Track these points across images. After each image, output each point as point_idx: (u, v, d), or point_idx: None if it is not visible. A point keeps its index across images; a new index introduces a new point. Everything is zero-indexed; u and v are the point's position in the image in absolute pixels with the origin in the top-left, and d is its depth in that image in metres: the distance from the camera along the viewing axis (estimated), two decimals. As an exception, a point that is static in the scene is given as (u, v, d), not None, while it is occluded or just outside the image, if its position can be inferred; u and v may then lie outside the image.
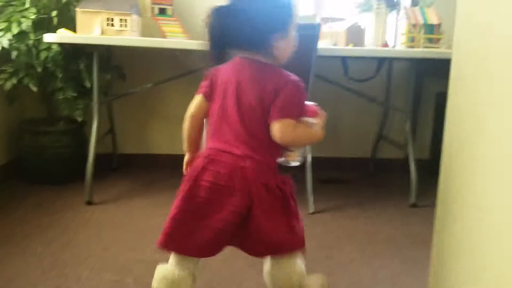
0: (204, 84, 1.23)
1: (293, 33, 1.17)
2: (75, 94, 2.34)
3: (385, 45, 2.53)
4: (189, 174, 1.16)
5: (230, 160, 1.10)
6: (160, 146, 2.98)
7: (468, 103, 0.97)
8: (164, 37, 2.47)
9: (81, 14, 2.17)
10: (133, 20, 2.25)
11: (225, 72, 1.17)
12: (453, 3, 2.56)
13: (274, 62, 1.15)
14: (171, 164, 2.92)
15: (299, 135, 1.12)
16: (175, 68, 2.78)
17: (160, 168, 2.88)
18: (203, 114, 1.23)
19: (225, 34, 1.10)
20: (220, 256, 1.18)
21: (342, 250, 1.83)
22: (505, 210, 0.83)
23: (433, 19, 2.35)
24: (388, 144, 2.95)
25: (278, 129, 1.08)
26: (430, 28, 2.35)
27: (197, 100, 1.24)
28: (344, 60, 2.55)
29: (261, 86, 1.10)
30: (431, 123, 3.03)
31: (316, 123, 1.14)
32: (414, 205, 2.37)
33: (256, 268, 1.40)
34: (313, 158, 2.48)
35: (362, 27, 2.47)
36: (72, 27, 2.23)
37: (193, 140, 1.27)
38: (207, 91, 1.20)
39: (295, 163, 1.24)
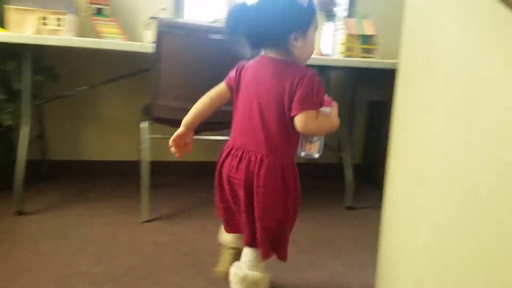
0: (231, 75, 1.33)
1: (313, 35, 1.23)
2: (3, 97, 2.17)
3: (321, 54, 2.62)
4: (217, 166, 1.31)
5: (244, 154, 1.22)
6: (93, 152, 2.85)
7: (414, 108, 1.03)
8: (100, 37, 2.38)
9: (12, 12, 2.02)
10: (70, 19, 2.14)
11: (251, 69, 1.25)
12: (386, 16, 2.71)
13: (294, 61, 1.21)
14: (105, 171, 2.83)
15: (320, 125, 1.19)
16: (111, 71, 2.69)
17: (94, 176, 2.76)
18: (220, 102, 1.37)
19: (249, 32, 1.18)
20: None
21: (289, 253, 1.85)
22: (450, 210, 0.89)
23: (369, 30, 2.47)
24: (325, 149, 3.04)
25: (302, 120, 1.15)
26: (366, 39, 2.46)
27: (220, 87, 1.36)
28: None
29: (279, 83, 1.17)
30: (364, 130, 3.17)
31: (332, 112, 1.22)
32: (350, 208, 2.47)
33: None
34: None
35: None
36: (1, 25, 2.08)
37: (195, 117, 1.41)
38: (232, 83, 1.30)
39: (317, 155, 1.31)
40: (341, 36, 2.46)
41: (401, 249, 1.14)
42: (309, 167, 3.08)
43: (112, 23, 2.51)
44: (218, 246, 1.82)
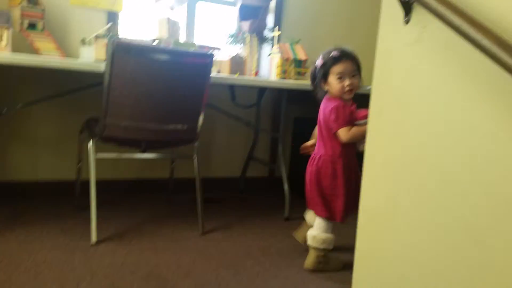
0: None
1: (333, 78, 1.96)
2: None
3: (256, 74, 2.80)
4: None
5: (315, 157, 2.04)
6: (23, 172, 2.69)
7: (387, 134, 1.22)
8: (38, 53, 2.29)
9: None
10: (9, 34, 2.05)
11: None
12: (315, 43, 2.95)
13: (332, 95, 1.99)
14: (34, 193, 2.69)
15: (353, 134, 1.91)
16: (44, 88, 2.59)
17: (24, 198, 2.61)
18: None
19: None
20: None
21: (245, 266, 1.96)
22: (423, 220, 1.09)
23: (301, 55, 2.68)
24: (256, 163, 3.20)
25: (340, 135, 1.93)
26: (299, 63, 2.68)
27: None
28: (231, 88, 2.72)
29: (322, 112, 2.01)
30: (289, 145, 3.39)
31: (364, 122, 1.82)
32: (287, 219, 2.64)
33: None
34: (188, 180, 2.61)
35: (243, 57, 2.67)
36: None
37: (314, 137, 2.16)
38: None
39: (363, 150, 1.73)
40: (277, 60, 2.65)
41: (377, 254, 1.31)
42: (238, 181, 3.22)
43: (46, 37, 2.42)
44: (176, 264, 1.89)
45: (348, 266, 1.86)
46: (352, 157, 2.00)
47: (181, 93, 2.16)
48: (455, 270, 1.02)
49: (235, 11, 3.05)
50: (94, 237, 2.08)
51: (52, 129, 2.73)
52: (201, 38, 3.13)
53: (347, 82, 1.93)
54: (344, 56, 1.96)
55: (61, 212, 2.45)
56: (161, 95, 2.12)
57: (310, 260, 1.97)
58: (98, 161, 2.14)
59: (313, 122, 3.01)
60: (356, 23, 3.45)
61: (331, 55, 1.96)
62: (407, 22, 1.14)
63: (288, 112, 3.31)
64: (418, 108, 1.12)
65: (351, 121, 1.92)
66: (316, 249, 1.96)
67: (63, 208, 2.52)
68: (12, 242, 2.00)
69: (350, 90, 1.95)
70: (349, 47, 2.03)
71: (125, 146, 2.25)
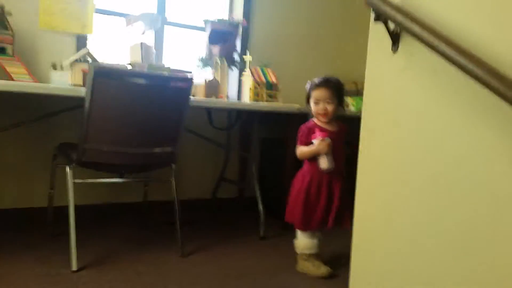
0: None
1: (311, 101, 2.18)
2: None
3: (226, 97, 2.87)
4: None
5: None
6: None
7: (378, 145, 1.33)
8: (11, 78, 2.25)
9: None
10: (-17, 60, 2.00)
11: None
12: (279, 66, 3.08)
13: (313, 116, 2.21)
14: (4, 221, 2.59)
15: (300, 152, 2.18)
16: (11, 114, 2.53)
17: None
18: None
19: None
20: None
21: (235, 286, 1.99)
22: (417, 224, 1.19)
23: (272, 78, 2.79)
24: (225, 184, 3.25)
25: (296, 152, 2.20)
26: (270, 86, 2.78)
27: None
28: (209, 111, 2.76)
29: None
30: (257, 165, 3.45)
31: (315, 143, 2.10)
32: (263, 238, 2.69)
33: None
34: (160, 202, 2.62)
35: (217, 80, 2.73)
36: None
37: None
38: None
39: (324, 169, 2.12)
40: (250, 83, 2.73)
41: (373, 266, 1.40)
42: (209, 202, 3.25)
43: (17, 63, 2.38)
44: (163, 284, 1.89)
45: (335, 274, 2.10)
46: (323, 174, 2.15)
47: (161, 116, 2.19)
48: (451, 270, 1.11)
49: (204, 36, 3.12)
50: (74, 265, 2.03)
51: (18, 156, 2.66)
52: (170, 62, 3.17)
53: (320, 107, 2.14)
54: (324, 84, 2.14)
55: (34, 240, 2.38)
56: (142, 119, 2.13)
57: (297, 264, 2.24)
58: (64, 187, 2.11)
59: (279, 142, 3.12)
60: (320, 46, 3.63)
61: (314, 81, 2.18)
62: (395, 51, 1.25)
63: (255, 133, 3.40)
64: (408, 126, 1.23)
65: (306, 141, 2.15)
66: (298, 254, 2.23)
67: (34, 236, 2.44)
68: (-11, 275, 1.93)
69: (323, 114, 2.15)
70: (336, 77, 2.23)
71: (104, 170, 2.23)
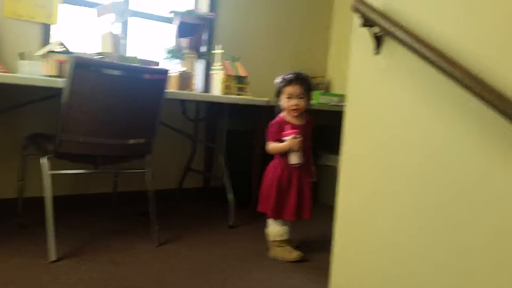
0: None
1: (283, 97, 2.27)
2: None
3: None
4: None
5: None
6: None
7: (360, 140, 1.46)
8: (-20, 68, 2.19)
9: None
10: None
11: None
12: (249, 59, 3.17)
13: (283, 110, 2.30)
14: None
15: (271, 148, 2.29)
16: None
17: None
18: None
19: None
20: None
21: (211, 272, 2.07)
22: (398, 216, 1.34)
23: (241, 72, 2.87)
24: (193, 174, 3.31)
25: (266, 147, 2.31)
26: (240, 79, 2.86)
27: None
28: (183, 102, 2.80)
29: None
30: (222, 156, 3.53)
31: (286, 140, 2.21)
32: (231, 226, 2.79)
33: None
34: (129, 193, 2.65)
35: (189, 73, 2.78)
36: None
37: None
38: None
39: (294, 164, 2.25)
40: (220, 76, 2.80)
41: (354, 249, 1.53)
42: (176, 192, 3.31)
43: (-16, 51, 2.32)
44: (144, 275, 1.96)
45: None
46: (293, 168, 2.27)
47: (138, 108, 2.22)
48: (433, 262, 1.26)
49: (169, 27, 3.14)
50: (53, 255, 2.04)
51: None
52: (135, 53, 3.17)
53: (293, 102, 2.24)
54: (297, 80, 2.24)
55: (4, 232, 2.35)
56: (119, 110, 2.16)
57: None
58: (40, 178, 2.11)
59: (244, 135, 3.21)
60: (284, 41, 3.75)
61: (286, 77, 2.26)
62: (377, 53, 1.38)
63: (219, 125, 3.47)
64: (389, 122, 1.36)
65: (276, 137, 2.26)
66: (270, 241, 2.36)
67: (3, 228, 2.40)
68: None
69: (295, 110, 2.25)
70: (305, 72, 2.34)
71: (80, 161, 2.24)
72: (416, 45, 1.20)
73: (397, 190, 1.34)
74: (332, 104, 3.46)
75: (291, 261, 2.25)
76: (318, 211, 3.22)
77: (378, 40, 1.37)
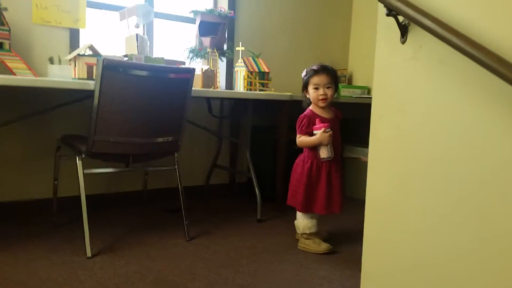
0: None
1: (310, 88, 2.28)
2: None
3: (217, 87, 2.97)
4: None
5: None
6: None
7: (386, 130, 1.47)
8: (13, 74, 2.27)
9: None
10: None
11: None
12: (270, 55, 3.16)
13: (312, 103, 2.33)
14: (6, 214, 2.62)
15: (300, 142, 2.30)
16: (11, 109, 2.56)
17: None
18: None
19: None
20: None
21: (241, 265, 2.11)
22: (428, 205, 1.35)
23: (264, 68, 2.90)
24: (218, 171, 3.36)
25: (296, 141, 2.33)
26: (263, 75, 2.89)
27: None
28: (208, 100, 2.85)
29: None
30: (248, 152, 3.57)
31: (317, 134, 2.22)
32: (259, 220, 2.83)
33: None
34: (156, 190, 2.71)
35: (213, 71, 2.82)
36: None
37: None
38: None
39: (324, 158, 2.25)
40: (243, 73, 2.84)
41: (382, 239, 1.55)
42: (203, 188, 3.36)
43: (16, 57, 2.40)
44: (178, 268, 2.00)
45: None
46: (322, 162, 2.28)
47: (165, 107, 2.27)
48: (463, 249, 1.27)
49: (193, 28, 3.19)
50: (89, 252, 2.11)
51: (18, 149, 2.68)
52: (160, 54, 3.23)
53: (321, 92, 2.25)
54: (322, 69, 2.26)
55: (41, 231, 2.43)
56: (147, 110, 2.21)
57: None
58: (72, 178, 2.18)
59: (268, 130, 3.24)
60: (304, 36, 3.76)
61: (312, 68, 2.28)
62: (403, 42, 1.39)
63: (243, 121, 3.51)
64: (416, 111, 1.37)
65: (306, 130, 2.27)
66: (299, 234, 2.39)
67: (40, 227, 2.49)
68: (4, 265, 1.98)
69: (324, 99, 2.26)
70: (328, 63, 2.34)
71: (112, 161, 2.30)
72: (444, 32, 1.20)
73: (424, 178, 1.35)
74: (355, 96, 3.46)
75: (320, 253, 2.27)
76: (346, 204, 3.24)
77: (404, 29, 1.38)
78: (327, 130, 2.21)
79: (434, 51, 1.31)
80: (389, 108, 1.46)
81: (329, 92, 2.26)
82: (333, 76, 2.28)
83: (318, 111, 2.31)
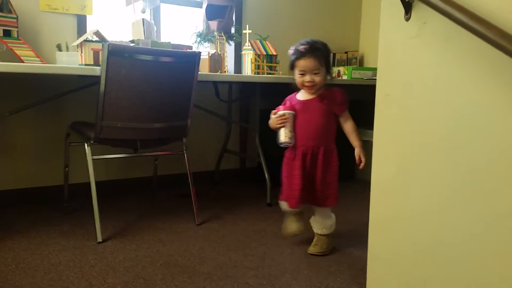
0: None
1: (296, 72, 1.99)
2: None
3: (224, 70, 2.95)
4: None
5: None
6: (2, 181, 2.66)
7: (392, 110, 1.45)
8: (21, 61, 2.29)
9: None
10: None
11: None
12: (278, 38, 3.14)
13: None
14: (19, 200, 2.66)
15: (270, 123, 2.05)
16: (22, 96, 2.58)
17: (9, 207, 2.59)
18: None
19: None
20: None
21: (250, 248, 2.12)
22: (434, 186, 1.32)
23: (271, 50, 2.87)
24: (228, 155, 3.36)
25: None
26: (270, 58, 2.86)
27: None
28: (215, 84, 2.84)
29: None
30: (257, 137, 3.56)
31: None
32: (269, 205, 2.83)
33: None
34: (166, 176, 2.73)
35: (220, 55, 2.80)
36: None
37: None
38: None
39: (281, 143, 2.00)
40: (250, 56, 2.81)
41: (389, 220, 1.54)
42: (213, 174, 3.37)
43: (24, 45, 2.42)
44: (187, 252, 2.02)
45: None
46: (299, 149, 1.99)
47: (172, 92, 2.27)
48: (471, 228, 1.25)
49: (200, 12, 3.17)
50: (99, 236, 2.14)
51: (29, 137, 2.71)
52: (167, 38, 3.22)
53: (307, 79, 1.95)
54: (310, 52, 1.94)
55: (52, 217, 2.47)
56: (154, 95, 2.21)
57: (321, 246, 2.07)
58: (83, 165, 2.20)
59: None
60: (312, 17, 3.70)
61: (298, 47, 1.97)
62: (407, 19, 1.36)
63: (252, 105, 3.49)
64: (421, 90, 1.34)
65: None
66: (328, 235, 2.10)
67: (51, 213, 2.53)
68: (17, 249, 2.01)
69: (311, 87, 1.97)
70: (321, 39, 2.02)
71: (120, 146, 2.32)
72: (447, 7, 1.17)
73: (430, 157, 1.33)
74: (366, 78, 3.41)
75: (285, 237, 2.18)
76: (355, 187, 3.22)
77: (408, 6, 1.34)
78: (287, 112, 1.97)
79: (438, 28, 1.28)
80: (394, 87, 1.43)
81: (316, 79, 1.94)
82: (323, 58, 1.95)
83: (300, 92, 2.06)
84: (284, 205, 2.11)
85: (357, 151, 1.99)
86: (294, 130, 2.00)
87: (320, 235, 2.10)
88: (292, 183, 2.01)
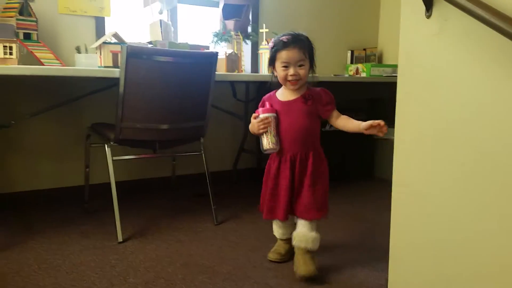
0: None
1: (278, 65, 1.77)
2: None
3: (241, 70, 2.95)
4: None
5: None
6: (24, 182, 2.70)
7: (415, 111, 1.43)
8: (41, 64, 2.32)
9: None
10: (17, 47, 2.07)
11: None
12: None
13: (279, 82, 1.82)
14: (40, 201, 2.71)
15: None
16: (42, 99, 2.62)
17: (30, 208, 2.63)
18: None
19: None
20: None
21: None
22: (458, 188, 1.30)
23: (289, 49, 2.85)
24: (246, 155, 3.36)
25: None
26: (288, 57, 2.85)
27: None
28: (232, 84, 2.84)
29: None
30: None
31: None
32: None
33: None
34: (184, 176, 2.73)
35: (237, 54, 2.80)
36: None
37: None
38: None
39: (265, 150, 1.84)
40: (268, 55, 2.79)
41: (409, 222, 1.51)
42: (230, 173, 3.37)
43: (44, 48, 2.45)
44: (207, 252, 2.01)
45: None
46: (284, 156, 1.82)
47: (190, 92, 2.27)
48: (494, 227, 1.22)
49: (217, 11, 3.17)
50: (120, 237, 2.16)
51: (50, 139, 2.75)
52: (185, 39, 3.23)
53: (291, 72, 1.74)
54: (293, 42, 1.74)
55: (73, 217, 2.50)
56: (172, 95, 2.22)
57: (312, 266, 1.78)
58: (103, 165, 2.23)
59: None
60: (329, 15, 3.68)
61: (280, 38, 1.77)
62: (428, 16, 1.33)
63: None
64: (444, 88, 1.32)
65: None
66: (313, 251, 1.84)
67: (72, 213, 2.56)
68: (39, 249, 2.04)
69: (295, 81, 1.76)
70: (304, 32, 1.83)
71: (139, 147, 2.33)
72: (468, 4, 1.14)
73: (453, 156, 1.30)
74: (385, 75, 3.38)
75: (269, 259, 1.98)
76: (374, 186, 3.19)
77: (429, 3, 1.32)
78: (269, 115, 1.76)
79: (459, 25, 1.25)
80: (416, 85, 1.41)
81: (301, 72, 1.74)
82: (307, 50, 1.76)
83: (280, 92, 1.86)
84: (276, 230, 1.97)
85: (366, 123, 1.71)
86: (278, 134, 1.80)
87: (306, 250, 1.81)
88: (278, 194, 1.84)
